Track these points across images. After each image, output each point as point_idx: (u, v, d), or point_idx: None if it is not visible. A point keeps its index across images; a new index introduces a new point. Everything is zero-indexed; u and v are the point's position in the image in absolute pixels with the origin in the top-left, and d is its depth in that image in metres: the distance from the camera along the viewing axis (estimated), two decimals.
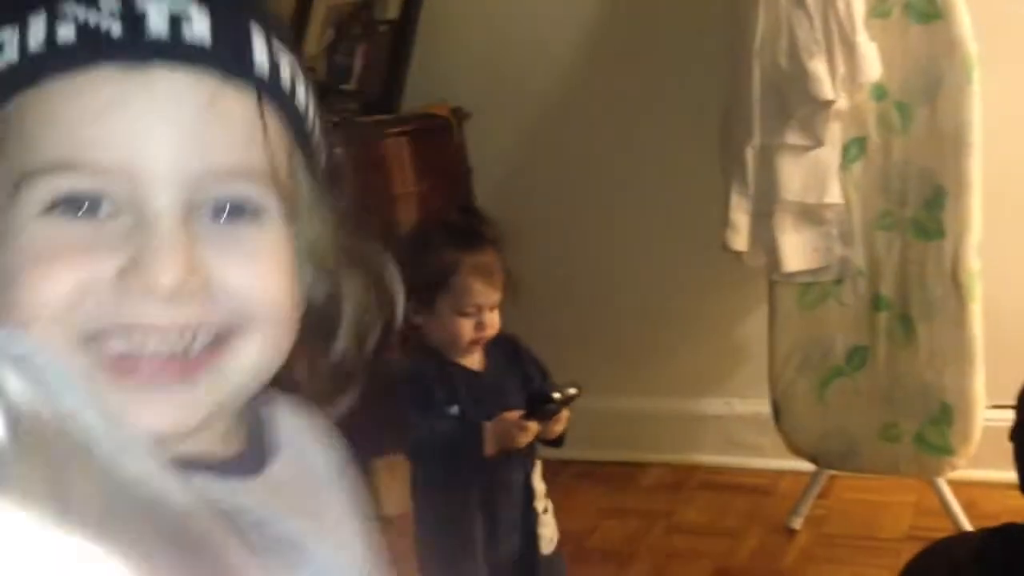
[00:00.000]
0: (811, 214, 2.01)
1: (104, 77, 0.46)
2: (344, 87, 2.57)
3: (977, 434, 1.94)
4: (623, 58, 2.44)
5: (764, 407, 2.19)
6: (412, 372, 1.49)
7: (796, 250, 2.02)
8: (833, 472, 2.19)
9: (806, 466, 2.17)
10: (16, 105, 0.46)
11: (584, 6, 2.48)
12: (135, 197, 0.47)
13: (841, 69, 1.92)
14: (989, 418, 1.93)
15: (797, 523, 2.14)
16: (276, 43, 0.52)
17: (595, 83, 2.48)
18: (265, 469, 0.55)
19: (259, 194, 0.51)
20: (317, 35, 2.69)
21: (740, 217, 2.05)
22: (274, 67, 0.52)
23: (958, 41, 1.90)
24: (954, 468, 1.98)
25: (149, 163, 0.47)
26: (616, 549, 2.20)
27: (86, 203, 0.47)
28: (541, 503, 1.55)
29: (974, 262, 1.94)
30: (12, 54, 0.46)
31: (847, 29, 1.89)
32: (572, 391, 1.48)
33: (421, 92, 2.55)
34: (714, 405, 2.47)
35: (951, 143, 1.92)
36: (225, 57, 0.48)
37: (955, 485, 2.05)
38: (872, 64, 1.92)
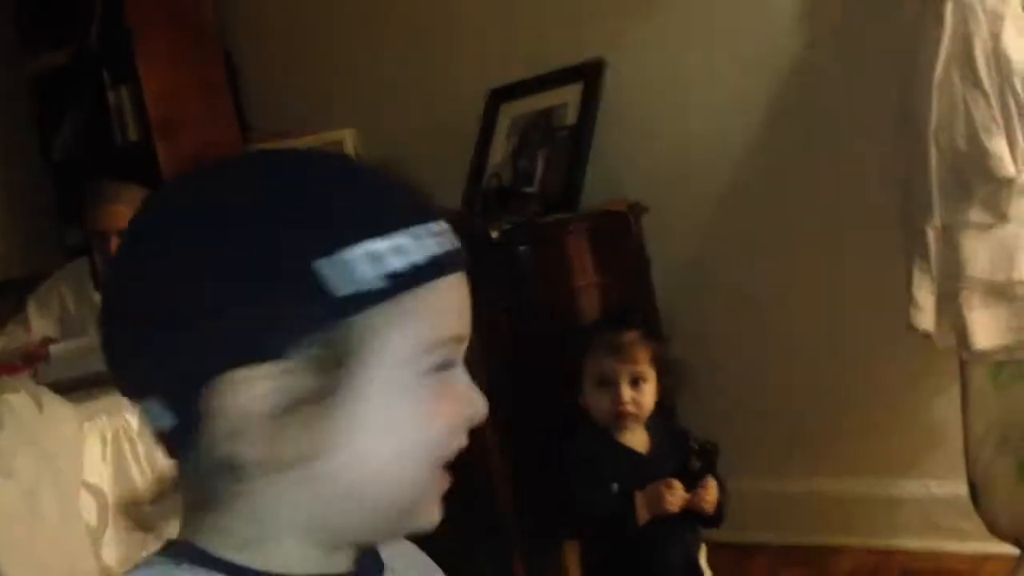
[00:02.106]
0: (1001, 291, 1.98)
1: (452, 281, 0.68)
2: (527, 190, 2.73)
3: None
4: (793, 145, 2.49)
5: (963, 488, 2.13)
6: (580, 452, 1.61)
7: (987, 328, 1.99)
8: None
9: (1010, 549, 2.10)
10: (414, 295, 0.65)
11: (750, 96, 2.55)
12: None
13: (1022, 145, 1.91)
14: None
15: None
16: None
17: (767, 171, 2.54)
18: None
19: None
20: (503, 144, 2.88)
21: (925, 296, 2.04)
22: None
23: None
24: None
25: (467, 335, 0.70)
26: None
27: (451, 364, 0.68)
28: None
29: None
30: (407, 262, 0.65)
31: None
32: (708, 445, 1.57)
33: (600, 190, 2.67)
34: (911, 487, 2.42)
35: None
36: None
37: None
38: None
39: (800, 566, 2.45)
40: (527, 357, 2.36)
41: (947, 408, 2.25)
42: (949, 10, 1.94)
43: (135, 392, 0.64)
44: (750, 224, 2.60)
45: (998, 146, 1.90)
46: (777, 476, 2.61)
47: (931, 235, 2.01)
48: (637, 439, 1.65)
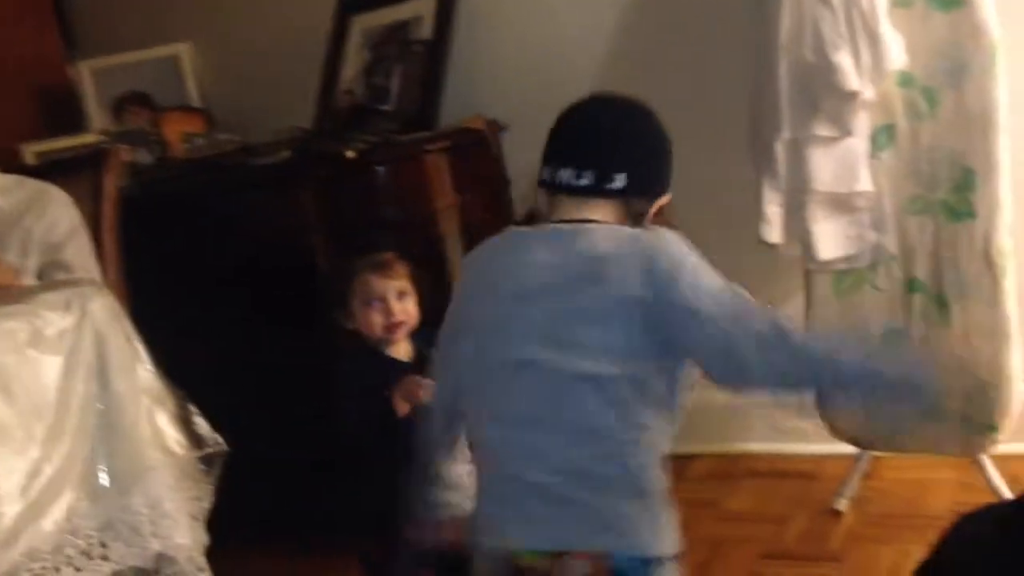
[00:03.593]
0: (843, 203, 2.05)
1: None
2: (383, 107, 2.66)
3: (1016, 408, 1.98)
4: (649, 63, 2.50)
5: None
6: (350, 368, 1.74)
7: (830, 239, 2.07)
8: (877, 454, 2.23)
9: (850, 449, 2.22)
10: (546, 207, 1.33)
11: (610, 15, 2.54)
12: None
13: (866, 59, 1.96)
14: None
15: (843, 505, 2.19)
16: None
17: (623, 88, 2.54)
18: None
19: None
20: (355, 59, 2.79)
21: (773, 210, 2.10)
22: None
23: (981, 26, 1.94)
24: (995, 444, 2.02)
25: None
26: None
27: None
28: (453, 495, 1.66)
29: (1006, 241, 1.97)
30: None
31: (870, 21, 1.94)
32: None
33: (459, 108, 2.63)
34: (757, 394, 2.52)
35: (978, 125, 1.96)
36: None
37: (997, 460, 2.08)
38: (896, 52, 1.96)
39: None
40: None
41: (792, 317, 2.33)
42: None
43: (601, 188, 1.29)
44: None
45: (843, 60, 1.95)
46: None
47: (780, 149, 2.05)
48: (403, 350, 1.78)
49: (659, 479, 1.24)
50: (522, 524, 1.19)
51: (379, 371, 1.73)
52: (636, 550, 1.19)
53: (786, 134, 2.04)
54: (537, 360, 1.20)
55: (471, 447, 1.49)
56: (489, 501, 1.25)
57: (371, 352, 1.77)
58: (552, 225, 1.29)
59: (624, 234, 1.26)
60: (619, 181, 1.27)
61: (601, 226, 1.27)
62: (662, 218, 1.34)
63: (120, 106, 3.09)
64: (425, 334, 1.74)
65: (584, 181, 1.27)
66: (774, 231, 2.10)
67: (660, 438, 1.26)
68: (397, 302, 1.74)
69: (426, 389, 1.63)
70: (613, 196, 1.28)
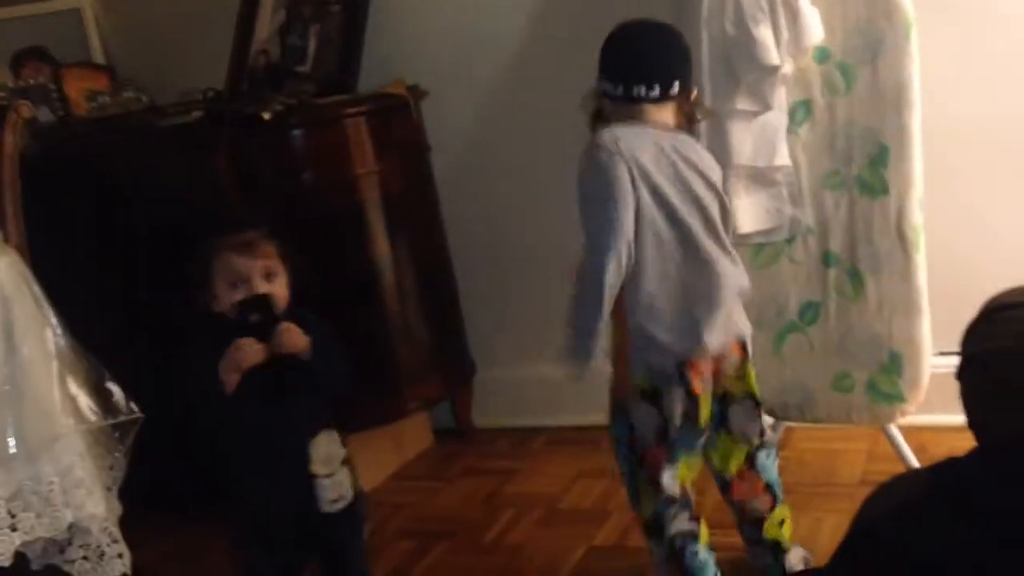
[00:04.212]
0: (762, 177, 2.08)
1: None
2: (299, 69, 2.59)
3: (926, 381, 2.04)
4: (571, 37, 2.47)
5: None
6: (203, 348, 1.63)
7: (749, 212, 2.09)
8: (790, 424, 2.28)
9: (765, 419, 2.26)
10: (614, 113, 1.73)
11: None
12: None
13: (785, 34, 1.98)
14: (936, 364, 2.03)
15: None
16: None
17: (545, 61, 2.53)
18: None
19: None
20: (268, 17, 2.71)
21: None
22: None
23: (896, 3, 1.98)
24: (904, 414, 2.08)
25: None
26: (589, 508, 2.28)
27: None
28: (323, 468, 1.68)
29: (918, 216, 2.02)
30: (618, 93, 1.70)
31: None
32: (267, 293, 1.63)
33: (378, 72, 2.58)
34: None
35: (892, 102, 2.00)
36: None
37: (906, 431, 2.15)
38: (815, 28, 1.99)
39: (575, 446, 2.57)
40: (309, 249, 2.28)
41: None
42: None
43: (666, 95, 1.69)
44: (527, 113, 2.58)
45: (763, 34, 1.97)
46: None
47: (702, 123, 2.07)
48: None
49: None
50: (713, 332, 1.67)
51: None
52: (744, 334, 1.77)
53: (708, 108, 2.06)
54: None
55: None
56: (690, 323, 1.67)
57: (234, 333, 1.64)
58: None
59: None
60: (675, 88, 1.68)
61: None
62: (701, 106, 1.79)
63: (17, 62, 2.95)
64: (297, 313, 1.67)
65: (654, 93, 1.67)
66: None
67: None
68: (263, 283, 1.64)
69: (253, 351, 1.58)
70: (672, 99, 1.69)
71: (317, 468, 1.68)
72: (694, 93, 1.75)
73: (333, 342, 1.70)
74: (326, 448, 1.70)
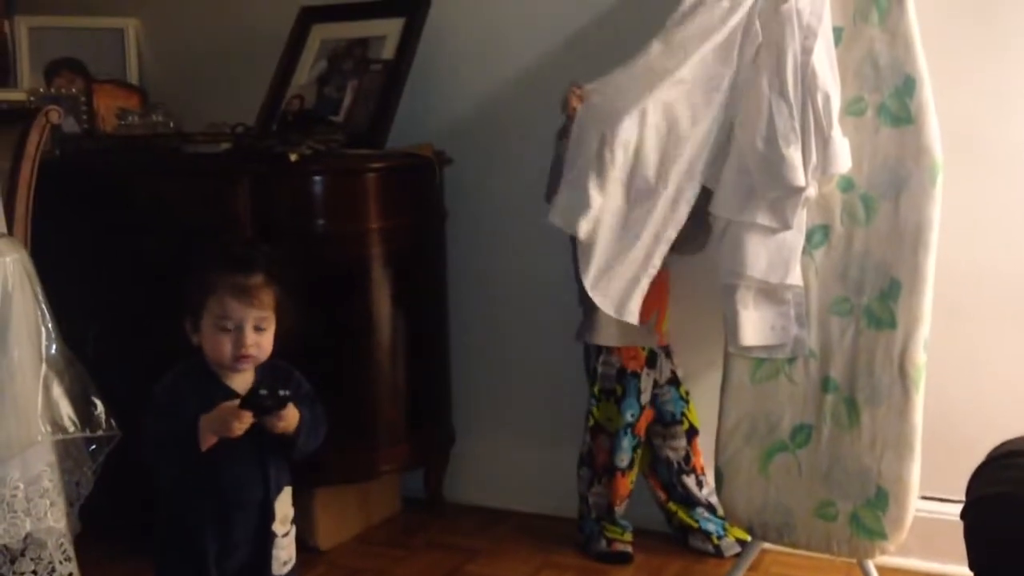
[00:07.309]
0: (772, 293, 2.08)
1: None
2: (332, 118, 2.61)
3: (909, 522, 2.00)
4: None
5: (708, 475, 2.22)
6: (173, 386, 1.58)
7: (754, 326, 2.09)
8: (767, 545, 2.24)
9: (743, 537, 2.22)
10: None
11: (581, 67, 2.54)
12: None
13: (814, 159, 2.00)
14: (920, 508, 2.00)
15: None
16: None
17: None
18: None
19: None
20: (310, 65, 2.74)
21: None
22: None
23: (926, 147, 2.00)
24: (884, 552, 2.04)
25: None
26: None
27: None
28: (282, 527, 1.63)
29: (921, 355, 2.01)
30: None
31: (823, 123, 1.98)
32: (285, 392, 1.56)
33: (406, 133, 2.59)
34: None
35: (911, 240, 2.01)
36: None
37: (882, 570, 2.10)
38: (843, 157, 2.01)
39: (542, 536, 2.53)
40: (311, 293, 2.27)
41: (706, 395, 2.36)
42: (766, 20, 2.01)
43: None
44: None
45: (794, 155, 1.98)
46: (553, 445, 2.66)
47: (717, 227, 2.09)
48: (241, 380, 1.63)
49: None
50: None
51: (204, 395, 1.57)
52: None
53: (724, 215, 2.07)
54: None
55: None
56: None
57: (205, 373, 1.60)
58: None
59: None
60: None
61: None
62: None
63: (53, 70, 2.98)
64: (271, 368, 1.62)
65: None
66: None
67: None
68: (253, 333, 1.58)
69: (245, 424, 1.51)
70: None
71: (277, 527, 1.62)
72: None
73: (315, 400, 1.65)
74: (286, 506, 1.65)
